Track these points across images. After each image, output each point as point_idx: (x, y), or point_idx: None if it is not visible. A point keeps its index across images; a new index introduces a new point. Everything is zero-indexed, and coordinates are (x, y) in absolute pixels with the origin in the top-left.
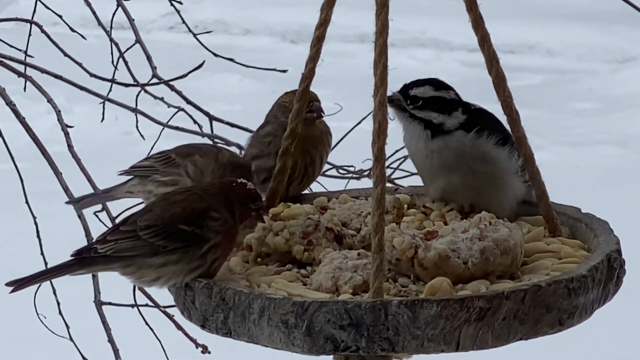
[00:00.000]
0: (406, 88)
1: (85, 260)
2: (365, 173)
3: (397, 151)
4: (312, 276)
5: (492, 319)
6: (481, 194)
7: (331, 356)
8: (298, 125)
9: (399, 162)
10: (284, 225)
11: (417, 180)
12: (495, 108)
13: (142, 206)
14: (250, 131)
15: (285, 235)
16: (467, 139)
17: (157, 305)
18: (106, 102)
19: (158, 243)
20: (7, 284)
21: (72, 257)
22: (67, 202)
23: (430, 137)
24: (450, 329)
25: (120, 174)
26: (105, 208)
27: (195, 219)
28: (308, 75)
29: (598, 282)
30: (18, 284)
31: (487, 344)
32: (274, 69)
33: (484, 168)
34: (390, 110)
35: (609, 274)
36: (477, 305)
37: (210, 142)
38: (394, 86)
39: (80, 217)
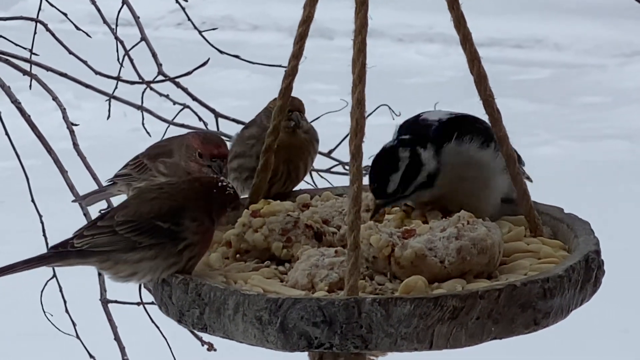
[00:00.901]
0: (380, 192)
1: (62, 253)
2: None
3: None
4: (289, 273)
5: (465, 318)
6: (472, 196)
7: (306, 353)
8: (280, 123)
9: None
10: (263, 222)
11: None
12: (503, 102)
13: None
14: None
15: (264, 232)
16: (450, 149)
17: None
18: (112, 100)
19: (134, 238)
20: None
21: (50, 250)
22: (73, 201)
23: (433, 185)
24: (423, 327)
25: (108, 184)
26: (110, 205)
27: (171, 216)
28: (291, 72)
29: (575, 283)
30: None
31: (461, 342)
32: (280, 65)
33: (471, 172)
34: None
35: (586, 274)
36: (450, 304)
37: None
38: (394, 80)
39: (86, 215)
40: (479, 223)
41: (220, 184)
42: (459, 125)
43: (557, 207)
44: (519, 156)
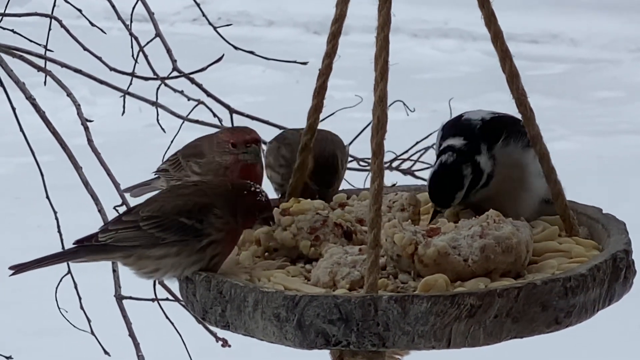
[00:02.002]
0: (444, 205)
1: (87, 248)
2: (386, 165)
3: (417, 143)
4: (312, 271)
5: (483, 316)
6: (510, 198)
7: (324, 351)
8: (315, 122)
9: (419, 154)
10: (292, 220)
11: None
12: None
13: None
14: (270, 124)
15: (293, 230)
16: (497, 149)
17: (177, 299)
18: (127, 96)
19: (158, 234)
20: (10, 268)
21: (75, 245)
22: (124, 190)
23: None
24: (440, 325)
25: (152, 178)
26: (124, 202)
27: (197, 213)
28: (325, 72)
29: (600, 282)
30: (19, 268)
31: (479, 341)
32: (295, 61)
33: (516, 174)
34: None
35: (614, 274)
36: (467, 303)
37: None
38: (409, 76)
39: (100, 211)
40: (506, 222)
41: (252, 188)
42: (504, 126)
43: (595, 207)
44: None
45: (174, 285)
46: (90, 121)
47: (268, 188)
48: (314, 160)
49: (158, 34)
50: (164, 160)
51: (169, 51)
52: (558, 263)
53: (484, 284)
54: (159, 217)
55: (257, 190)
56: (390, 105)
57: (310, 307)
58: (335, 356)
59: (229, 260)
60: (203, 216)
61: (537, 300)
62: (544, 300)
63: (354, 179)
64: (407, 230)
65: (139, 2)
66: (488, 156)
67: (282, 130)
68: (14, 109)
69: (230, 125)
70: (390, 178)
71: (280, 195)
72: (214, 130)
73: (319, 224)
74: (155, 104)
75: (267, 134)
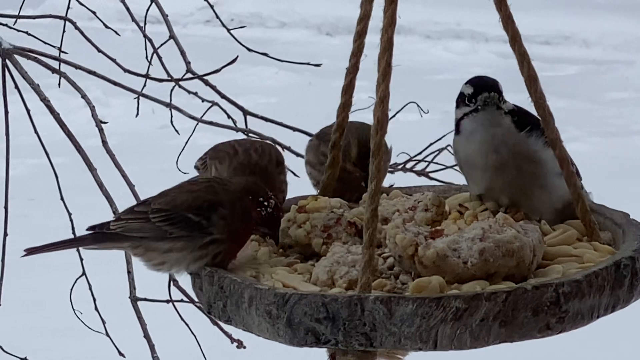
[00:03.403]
0: (496, 87)
1: (98, 235)
2: (400, 166)
3: (431, 144)
4: (314, 269)
5: (470, 319)
6: (523, 193)
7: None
8: (344, 119)
9: (433, 155)
10: (307, 218)
11: (450, 174)
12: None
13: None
14: (283, 125)
15: (307, 228)
16: (519, 137)
17: (192, 301)
18: (141, 97)
19: (165, 228)
20: (25, 250)
21: (87, 232)
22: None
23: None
24: (426, 327)
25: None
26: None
27: (205, 210)
28: (352, 70)
29: (599, 288)
30: (32, 250)
31: (466, 344)
32: (308, 63)
33: (531, 168)
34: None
35: (617, 281)
36: (453, 305)
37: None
38: (422, 77)
39: (115, 212)
40: (514, 225)
41: (262, 199)
42: (531, 117)
43: (622, 212)
44: (577, 170)
45: (189, 287)
46: (105, 122)
47: (305, 187)
48: (357, 146)
49: (172, 36)
50: (198, 158)
51: (182, 53)
52: (566, 268)
53: (481, 287)
54: (168, 210)
55: (265, 202)
56: (403, 107)
57: (299, 305)
58: (329, 354)
59: (246, 255)
60: (210, 213)
61: (527, 305)
62: (535, 306)
63: None
64: (409, 231)
65: (153, 4)
66: (508, 110)
67: (321, 128)
68: (28, 111)
69: (244, 127)
70: (405, 180)
71: (320, 182)
72: (228, 132)
73: (332, 222)
74: (169, 105)
75: (280, 135)
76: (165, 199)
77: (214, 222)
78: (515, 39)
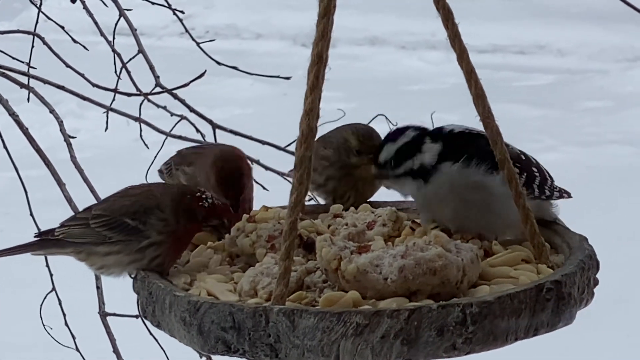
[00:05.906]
0: (375, 160)
1: (43, 242)
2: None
3: None
4: (240, 279)
5: (370, 335)
6: (473, 220)
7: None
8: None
9: None
10: (254, 227)
11: None
12: (507, 108)
13: None
14: (252, 139)
15: (253, 238)
16: (454, 170)
17: None
18: (110, 111)
19: (104, 233)
20: None
21: (34, 238)
22: None
23: (424, 182)
24: (327, 341)
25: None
26: None
27: (141, 214)
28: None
29: (515, 311)
30: None
31: None
32: (278, 76)
33: (476, 196)
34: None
35: (538, 304)
36: (354, 321)
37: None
38: (397, 87)
39: None
40: (442, 244)
41: (198, 194)
42: (469, 145)
43: (580, 235)
44: (548, 174)
45: None
46: (73, 137)
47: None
48: (355, 135)
49: (140, 50)
50: (163, 163)
51: (151, 67)
52: (495, 290)
53: (398, 304)
54: (107, 216)
55: (203, 196)
56: (373, 119)
57: (208, 314)
58: None
59: (197, 261)
60: (146, 218)
61: (431, 324)
62: (440, 325)
63: None
64: (336, 245)
65: (122, 18)
66: (436, 152)
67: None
68: None
69: (213, 142)
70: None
71: (332, 199)
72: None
73: (277, 233)
74: (138, 119)
75: (249, 148)
76: (105, 205)
77: (152, 225)
78: (462, 57)
